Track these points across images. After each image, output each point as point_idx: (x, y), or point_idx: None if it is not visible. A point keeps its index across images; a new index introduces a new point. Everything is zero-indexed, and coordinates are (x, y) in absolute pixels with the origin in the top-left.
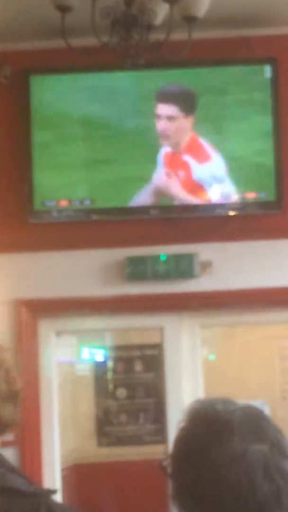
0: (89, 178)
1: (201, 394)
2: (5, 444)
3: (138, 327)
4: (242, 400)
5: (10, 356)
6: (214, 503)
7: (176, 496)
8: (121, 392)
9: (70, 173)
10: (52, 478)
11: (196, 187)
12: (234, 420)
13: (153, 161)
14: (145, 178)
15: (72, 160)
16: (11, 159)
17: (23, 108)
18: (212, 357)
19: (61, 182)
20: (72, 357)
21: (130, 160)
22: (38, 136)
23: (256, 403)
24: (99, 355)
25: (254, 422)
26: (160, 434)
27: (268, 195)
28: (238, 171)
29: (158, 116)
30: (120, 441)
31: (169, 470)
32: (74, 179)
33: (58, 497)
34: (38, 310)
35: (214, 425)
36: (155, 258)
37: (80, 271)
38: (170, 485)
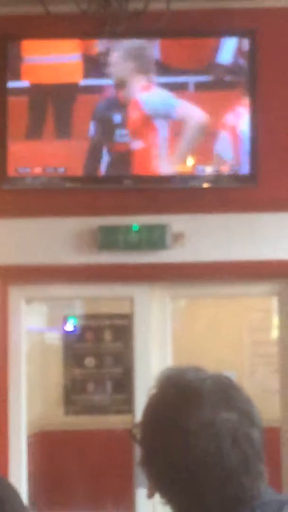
0: (63, 146)
1: (169, 365)
2: None
3: (109, 296)
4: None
5: None
6: (182, 470)
7: (144, 463)
8: (90, 361)
9: (43, 141)
10: (18, 445)
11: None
12: (205, 389)
13: None
14: None
15: (46, 128)
16: None
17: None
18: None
19: (35, 150)
20: (42, 325)
21: None
22: (13, 104)
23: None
24: (69, 324)
25: (224, 391)
26: (127, 404)
27: (242, 167)
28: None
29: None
30: (87, 409)
31: (138, 436)
32: (48, 147)
33: (23, 464)
34: (9, 276)
35: (184, 393)
36: (128, 228)
37: (52, 238)
38: (138, 452)
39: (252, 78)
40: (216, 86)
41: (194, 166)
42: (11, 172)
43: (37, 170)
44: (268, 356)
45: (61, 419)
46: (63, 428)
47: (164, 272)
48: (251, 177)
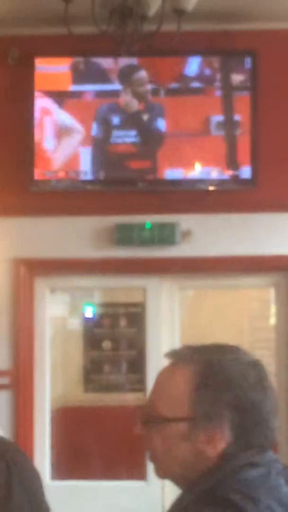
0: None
1: (176, 346)
2: (1, 387)
3: (124, 287)
4: None
5: None
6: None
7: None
8: (107, 345)
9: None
10: (42, 419)
11: None
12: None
13: None
14: None
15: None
16: (16, 133)
17: (28, 87)
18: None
19: (60, 154)
20: (64, 312)
21: None
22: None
23: None
24: (88, 311)
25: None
26: (140, 383)
27: (244, 172)
28: None
29: None
30: (104, 388)
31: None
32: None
33: (46, 436)
34: (35, 268)
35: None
36: (141, 226)
37: (74, 235)
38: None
39: (254, 94)
40: (225, 92)
41: (200, 170)
42: (38, 175)
43: (61, 173)
44: (266, 341)
45: (80, 396)
46: (82, 404)
47: (173, 265)
48: (251, 181)
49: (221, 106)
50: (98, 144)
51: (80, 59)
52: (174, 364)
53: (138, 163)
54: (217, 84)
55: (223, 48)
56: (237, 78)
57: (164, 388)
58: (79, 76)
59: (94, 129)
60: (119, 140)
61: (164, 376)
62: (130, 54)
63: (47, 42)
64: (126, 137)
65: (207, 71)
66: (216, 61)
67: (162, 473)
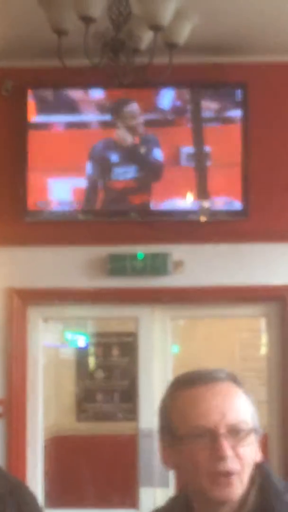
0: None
1: (170, 378)
2: None
3: (116, 316)
4: None
5: None
6: None
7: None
8: (99, 374)
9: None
10: (35, 448)
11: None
12: None
13: None
14: None
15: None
16: (10, 163)
17: (21, 118)
18: (176, 348)
19: (52, 184)
20: (57, 341)
21: None
22: (34, 143)
23: None
24: (81, 341)
25: None
26: (132, 412)
27: (235, 203)
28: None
29: None
30: (97, 417)
31: None
32: (65, 183)
33: (39, 465)
34: (28, 298)
35: None
36: (134, 256)
37: (67, 265)
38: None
39: (245, 124)
40: (215, 121)
41: (192, 201)
42: (31, 205)
43: (54, 204)
44: (257, 370)
45: (73, 425)
46: (75, 433)
47: (165, 295)
48: (243, 212)
49: (192, 138)
50: (94, 181)
51: (50, 90)
52: (224, 382)
53: (138, 197)
54: (188, 115)
55: (213, 80)
56: (210, 108)
57: (234, 402)
58: (47, 107)
59: (89, 167)
60: (120, 177)
61: (227, 391)
62: (122, 86)
63: (40, 74)
64: (127, 173)
65: (178, 103)
66: (188, 93)
67: (241, 487)
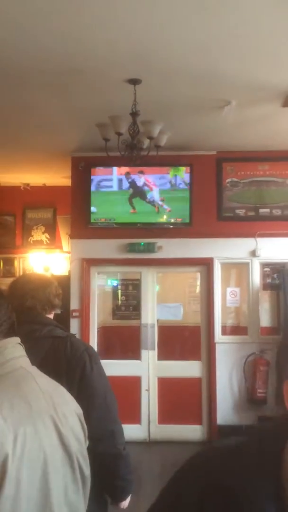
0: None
1: (155, 301)
2: (75, 317)
3: (130, 271)
4: (170, 302)
5: (56, 282)
6: None
7: None
8: (122, 298)
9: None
10: (94, 332)
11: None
12: None
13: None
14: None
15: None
16: (83, 203)
17: (87, 184)
18: (157, 287)
19: (102, 211)
20: (104, 283)
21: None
22: (94, 199)
23: (177, 305)
24: (114, 283)
25: None
26: (138, 316)
27: (185, 219)
28: (175, 212)
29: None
30: (122, 317)
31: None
32: (109, 212)
33: (95, 340)
34: (90, 263)
35: None
36: (139, 244)
37: (109, 248)
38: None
39: (191, 187)
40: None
41: (166, 218)
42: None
43: (102, 219)
44: (195, 297)
45: (111, 321)
46: (111, 325)
47: (153, 262)
48: (189, 223)
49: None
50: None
51: (101, 168)
52: None
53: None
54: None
55: (177, 164)
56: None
57: None
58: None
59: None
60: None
61: None
62: (135, 165)
63: (97, 159)
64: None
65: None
66: (166, 169)
67: None
